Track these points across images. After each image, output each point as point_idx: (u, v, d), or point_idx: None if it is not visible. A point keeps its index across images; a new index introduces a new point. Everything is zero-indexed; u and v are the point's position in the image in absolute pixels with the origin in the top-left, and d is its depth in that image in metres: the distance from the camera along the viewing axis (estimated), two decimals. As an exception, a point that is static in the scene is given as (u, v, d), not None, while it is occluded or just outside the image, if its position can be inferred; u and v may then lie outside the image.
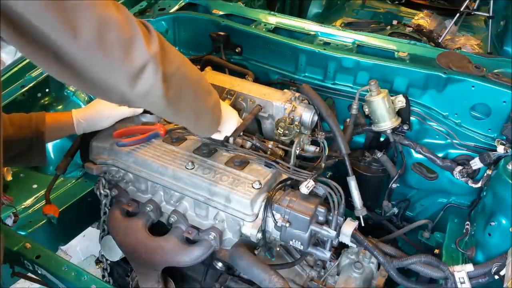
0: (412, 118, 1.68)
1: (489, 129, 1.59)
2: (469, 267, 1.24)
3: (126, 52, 0.84)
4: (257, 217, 1.28)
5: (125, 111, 1.47)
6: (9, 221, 1.47)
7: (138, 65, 0.86)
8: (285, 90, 1.61)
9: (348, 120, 1.65)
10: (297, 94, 1.56)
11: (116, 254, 1.59)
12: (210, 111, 1.21)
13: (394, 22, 3.29)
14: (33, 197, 1.65)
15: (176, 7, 2.20)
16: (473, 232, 1.45)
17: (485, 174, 1.51)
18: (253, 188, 1.27)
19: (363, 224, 1.44)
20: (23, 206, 1.62)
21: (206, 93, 1.16)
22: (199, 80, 1.12)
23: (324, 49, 1.78)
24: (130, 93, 0.89)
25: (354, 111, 1.61)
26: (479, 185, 1.55)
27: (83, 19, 0.76)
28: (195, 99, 1.09)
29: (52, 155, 1.74)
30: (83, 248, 2.96)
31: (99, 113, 1.44)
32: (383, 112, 1.57)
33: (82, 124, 1.42)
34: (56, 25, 0.73)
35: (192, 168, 1.35)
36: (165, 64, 0.92)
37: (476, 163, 1.55)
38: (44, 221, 1.56)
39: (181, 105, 1.04)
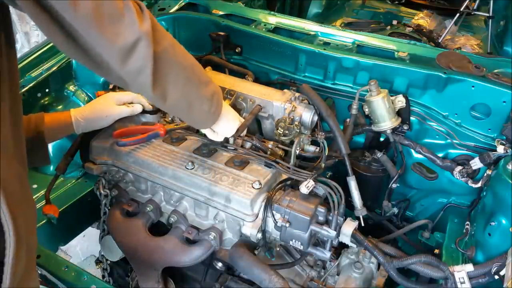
0: (412, 118, 1.68)
1: (489, 129, 1.59)
2: (469, 267, 1.24)
3: (119, 27, 0.87)
4: (257, 217, 1.28)
5: (123, 111, 1.46)
6: (9, 221, 1.46)
7: (130, 41, 0.89)
8: (285, 90, 1.61)
9: (348, 120, 1.65)
10: (297, 94, 1.56)
11: (116, 254, 1.59)
12: (206, 101, 1.17)
13: (394, 22, 3.29)
14: (33, 197, 1.65)
15: (176, 7, 2.20)
16: (473, 232, 1.45)
17: (485, 174, 1.51)
18: (253, 188, 1.28)
19: (363, 224, 1.44)
20: (23, 206, 1.61)
21: (201, 81, 1.14)
22: (192, 66, 1.11)
23: (324, 49, 1.78)
24: (122, 70, 0.91)
25: (354, 111, 1.61)
26: (479, 185, 1.55)
27: None
28: (185, 85, 1.08)
29: (52, 155, 1.74)
30: (83, 248, 2.96)
31: (98, 112, 1.44)
32: (383, 112, 1.57)
33: (81, 123, 1.41)
34: None
35: (192, 168, 1.35)
36: (156, 43, 0.94)
37: (476, 163, 1.55)
38: (44, 221, 1.56)
39: (170, 89, 1.04)
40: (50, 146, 1.72)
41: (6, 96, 0.90)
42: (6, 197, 0.83)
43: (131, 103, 1.50)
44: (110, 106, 1.45)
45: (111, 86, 1.72)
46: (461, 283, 1.23)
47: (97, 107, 1.44)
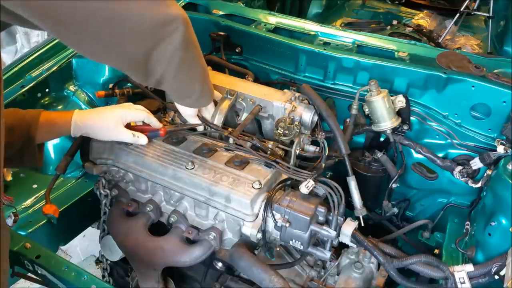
0: (412, 118, 1.68)
1: (489, 129, 1.59)
2: (469, 267, 1.24)
3: (162, 3, 0.94)
4: (257, 217, 1.28)
5: (126, 138, 1.37)
6: (9, 221, 1.47)
7: (172, 14, 0.96)
8: (285, 90, 1.61)
9: (348, 120, 1.65)
10: (297, 94, 1.56)
11: (116, 254, 1.59)
12: (206, 85, 1.27)
13: (394, 22, 3.29)
14: (33, 197, 1.65)
15: (176, 7, 2.20)
16: (473, 232, 1.45)
17: (485, 174, 1.52)
18: (253, 188, 1.27)
19: (363, 224, 1.44)
20: (23, 206, 1.62)
21: (205, 69, 1.25)
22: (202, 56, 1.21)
23: (324, 49, 1.78)
24: (159, 33, 0.95)
25: (354, 111, 1.61)
26: (479, 185, 1.55)
27: None
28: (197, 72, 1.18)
29: (52, 155, 1.74)
30: (83, 248, 2.96)
31: (101, 129, 1.35)
32: (383, 112, 1.57)
33: (80, 128, 1.33)
34: None
35: (192, 168, 1.35)
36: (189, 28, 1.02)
37: (476, 163, 1.55)
38: (44, 221, 1.56)
39: (190, 73, 1.13)
40: (50, 146, 1.73)
41: None
42: None
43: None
44: (116, 128, 1.35)
45: (110, 86, 1.73)
46: (461, 283, 1.23)
47: (104, 122, 1.34)
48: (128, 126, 1.40)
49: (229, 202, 1.28)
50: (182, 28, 0.98)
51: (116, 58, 0.99)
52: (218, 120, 1.49)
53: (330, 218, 1.26)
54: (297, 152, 1.50)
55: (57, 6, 0.79)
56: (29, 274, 1.49)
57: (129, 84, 1.72)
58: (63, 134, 1.38)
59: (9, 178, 1.64)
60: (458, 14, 3.08)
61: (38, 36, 4.15)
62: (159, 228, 1.45)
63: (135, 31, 0.92)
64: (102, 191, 1.50)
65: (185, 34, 0.99)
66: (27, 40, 4.19)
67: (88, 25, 0.85)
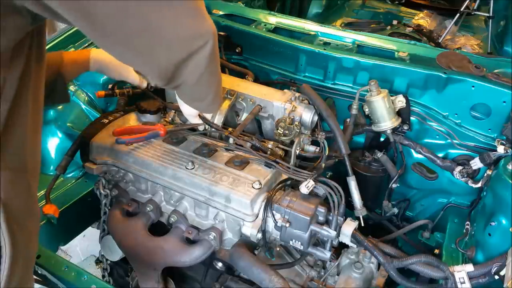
0: (412, 118, 1.68)
1: (489, 129, 1.59)
2: (469, 267, 1.24)
3: (198, 16, 0.99)
4: (257, 217, 1.28)
5: (133, 77, 1.56)
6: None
7: (206, 29, 1.01)
8: (285, 90, 1.61)
9: (348, 120, 1.65)
10: (297, 94, 1.56)
11: (116, 254, 1.59)
12: (219, 93, 1.27)
13: (394, 22, 3.29)
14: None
15: (176, 7, 2.20)
16: (473, 232, 1.45)
17: (485, 174, 1.52)
18: (253, 188, 1.27)
19: (363, 224, 1.44)
20: (23, 206, 1.61)
21: (221, 78, 1.25)
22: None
23: (324, 49, 1.78)
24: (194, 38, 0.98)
25: (354, 111, 1.61)
26: (479, 185, 1.55)
27: None
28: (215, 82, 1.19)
29: (52, 155, 1.74)
30: (83, 248, 2.96)
31: (116, 64, 1.51)
32: (383, 112, 1.57)
33: (97, 62, 1.49)
34: None
35: (192, 168, 1.35)
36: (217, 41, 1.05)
37: (476, 163, 1.55)
38: (44, 221, 1.56)
39: (210, 79, 1.13)
40: (50, 146, 1.73)
41: (30, 103, 0.91)
42: (7, 214, 0.84)
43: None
44: (128, 67, 1.52)
45: (110, 86, 1.73)
46: (461, 283, 1.23)
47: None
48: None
49: (229, 202, 1.28)
50: (212, 42, 1.01)
51: (144, 65, 0.99)
52: (218, 120, 1.49)
53: (330, 218, 1.26)
54: (297, 152, 1.50)
55: (94, 9, 0.79)
56: (29, 274, 1.49)
57: (129, 84, 1.72)
58: (84, 71, 1.52)
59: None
60: (458, 14, 3.07)
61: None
62: (159, 228, 1.45)
63: (168, 43, 0.93)
64: (102, 191, 1.50)
65: (213, 47, 1.02)
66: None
67: (122, 31, 0.85)
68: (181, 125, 1.52)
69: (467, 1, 3.02)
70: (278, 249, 1.51)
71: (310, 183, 1.27)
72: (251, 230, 1.27)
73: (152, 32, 0.88)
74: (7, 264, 0.85)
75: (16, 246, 0.86)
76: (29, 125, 0.93)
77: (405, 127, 1.65)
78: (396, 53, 1.82)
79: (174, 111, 1.60)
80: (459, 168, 1.59)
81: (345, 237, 1.29)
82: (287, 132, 1.50)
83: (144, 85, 1.63)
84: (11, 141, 0.88)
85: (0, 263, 0.85)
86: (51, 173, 1.67)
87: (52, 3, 0.76)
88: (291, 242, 1.27)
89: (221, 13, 2.15)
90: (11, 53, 0.83)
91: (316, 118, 1.54)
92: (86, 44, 1.86)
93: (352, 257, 1.45)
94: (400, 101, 1.62)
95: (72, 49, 1.84)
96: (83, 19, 0.80)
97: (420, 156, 1.69)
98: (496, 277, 1.20)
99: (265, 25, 2.04)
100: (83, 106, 1.84)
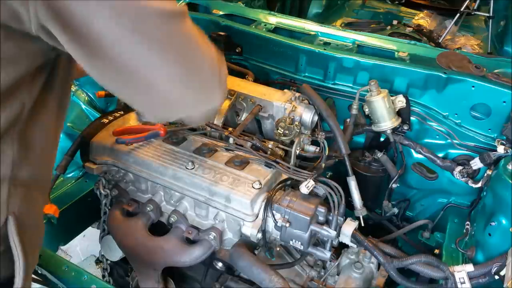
0: (412, 118, 1.68)
1: (489, 129, 1.59)
2: (469, 267, 1.24)
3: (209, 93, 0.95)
4: (257, 217, 1.28)
5: None
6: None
7: (215, 103, 0.98)
8: (285, 90, 1.61)
9: (348, 120, 1.65)
10: (297, 94, 1.56)
11: (116, 254, 1.59)
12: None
13: (394, 22, 3.29)
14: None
15: (176, 7, 2.20)
16: (473, 232, 1.45)
17: (485, 174, 1.51)
18: (253, 188, 1.27)
19: (363, 224, 1.44)
20: (23, 206, 1.61)
21: None
22: None
23: (324, 49, 1.78)
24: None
25: (354, 111, 1.61)
26: (479, 185, 1.55)
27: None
28: None
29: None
30: (83, 248, 2.96)
31: None
32: (383, 112, 1.57)
33: None
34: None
35: (192, 168, 1.35)
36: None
37: (476, 163, 1.55)
38: (44, 221, 1.56)
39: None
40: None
41: (51, 123, 0.94)
42: (18, 228, 0.86)
43: None
44: None
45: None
46: (461, 283, 1.23)
47: None
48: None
49: (229, 202, 1.28)
50: (222, 94, 0.98)
51: (147, 116, 1.00)
52: (218, 120, 1.49)
53: (330, 218, 1.26)
54: (297, 152, 1.49)
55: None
56: (29, 274, 1.49)
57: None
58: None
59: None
60: (458, 14, 3.07)
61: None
62: (159, 228, 1.45)
63: (172, 105, 0.92)
64: (102, 191, 1.50)
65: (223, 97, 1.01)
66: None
67: (122, 92, 0.89)
68: (181, 125, 1.52)
69: (467, 1, 3.02)
70: (278, 249, 1.51)
71: (310, 183, 1.27)
72: (251, 230, 1.27)
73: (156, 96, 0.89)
74: (21, 277, 0.87)
75: (27, 259, 0.88)
76: (48, 145, 0.95)
77: (405, 127, 1.65)
78: (396, 53, 1.82)
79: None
80: (459, 168, 1.59)
81: (345, 237, 1.29)
82: (287, 132, 1.50)
83: None
84: (28, 159, 0.89)
85: (15, 275, 0.87)
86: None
87: (62, 38, 0.76)
88: (291, 242, 1.27)
89: (221, 13, 2.15)
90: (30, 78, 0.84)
91: (316, 118, 1.54)
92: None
93: (352, 257, 1.45)
94: (400, 101, 1.62)
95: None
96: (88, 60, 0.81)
97: (420, 156, 1.69)
98: (496, 277, 1.20)
99: (265, 25, 2.04)
100: (83, 106, 1.84)
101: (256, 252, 1.40)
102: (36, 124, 0.89)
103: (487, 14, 3.04)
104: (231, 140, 1.45)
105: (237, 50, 1.97)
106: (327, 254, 1.29)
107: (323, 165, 1.45)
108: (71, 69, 0.97)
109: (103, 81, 0.86)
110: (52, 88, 0.91)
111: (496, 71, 1.63)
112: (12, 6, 0.70)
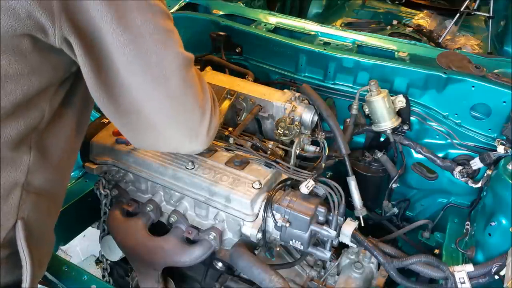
0: (412, 118, 1.68)
1: (489, 129, 1.59)
2: (469, 267, 1.24)
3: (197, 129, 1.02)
4: (257, 217, 1.27)
5: None
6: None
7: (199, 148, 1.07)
8: (285, 90, 1.61)
9: (348, 120, 1.65)
10: (297, 94, 1.56)
11: (116, 254, 1.59)
12: None
13: (394, 22, 3.29)
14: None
15: (176, 7, 2.20)
16: (473, 232, 1.45)
17: (485, 174, 1.51)
18: (253, 188, 1.27)
19: (363, 224, 1.44)
20: (23, 206, 1.61)
21: None
22: None
23: (324, 49, 1.78)
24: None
25: (354, 111, 1.61)
26: (479, 185, 1.55)
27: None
28: None
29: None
30: (83, 248, 2.96)
31: None
32: (383, 112, 1.57)
33: None
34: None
35: (192, 168, 1.35)
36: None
37: (476, 163, 1.55)
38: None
39: None
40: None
41: (69, 133, 0.97)
42: (27, 232, 0.88)
43: None
44: None
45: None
46: (461, 283, 1.23)
47: None
48: None
49: (229, 202, 1.28)
50: (208, 141, 1.07)
51: (133, 143, 1.08)
52: (218, 120, 1.49)
53: (330, 218, 1.26)
54: (297, 152, 1.49)
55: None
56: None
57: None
58: None
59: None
60: (458, 14, 3.07)
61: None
62: (159, 228, 1.45)
63: (160, 139, 1.02)
64: (102, 191, 1.50)
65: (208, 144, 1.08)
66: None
67: (114, 116, 0.95)
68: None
69: (467, 1, 3.02)
70: (278, 249, 1.51)
71: (310, 183, 1.27)
72: (251, 230, 1.27)
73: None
74: (28, 281, 0.89)
75: (33, 264, 0.90)
76: (63, 157, 0.97)
77: (405, 127, 1.65)
78: (396, 53, 1.82)
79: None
80: (459, 168, 1.59)
81: (345, 237, 1.29)
82: (287, 132, 1.50)
83: None
84: (43, 168, 0.92)
85: (22, 280, 0.89)
86: (51, 173, 1.67)
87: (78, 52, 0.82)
88: (291, 242, 1.27)
89: (221, 13, 2.15)
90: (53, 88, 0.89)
91: (316, 118, 1.54)
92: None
93: (352, 257, 1.45)
94: (400, 101, 1.62)
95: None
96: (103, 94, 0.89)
97: (420, 156, 1.69)
98: (496, 277, 1.20)
99: (265, 25, 2.04)
100: (83, 106, 1.84)
101: (256, 252, 1.40)
102: (54, 135, 0.92)
103: (487, 14, 3.04)
104: (231, 140, 1.45)
105: (237, 50, 1.97)
106: (327, 254, 1.29)
107: (323, 165, 1.45)
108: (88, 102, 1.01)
109: (100, 101, 0.91)
110: (73, 102, 0.96)
111: (496, 71, 1.63)
112: (40, 19, 0.75)
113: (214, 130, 1.07)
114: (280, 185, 1.32)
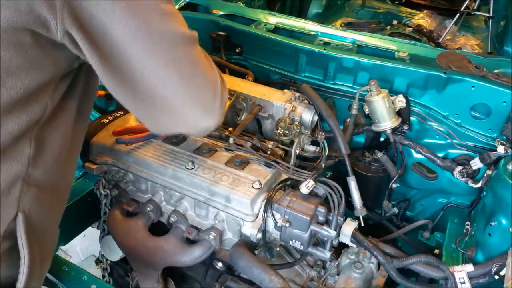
0: (412, 118, 1.68)
1: (489, 129, 1.59)
2: (469, 267, 1.24)
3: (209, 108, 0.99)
4: (257, 217, 1.28)
5: None
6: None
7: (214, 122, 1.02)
8: (285, 90, 1.61)
9: (348, 120, 1.65)
10: (297, 94, 1.56)
11: (116, 254, 1.59)
12: None
13: (394, 22, 3.29)
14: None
15: (176, 7, 2.20)
16: (473, 232, 1.45)
17: (485, 174, 1.51)
18: (253, 188, 1.27)
19: (363, 224, 1.44)
20: (23, 206, 1.61)
21: None
22: None
23: (324, 49, 1.78)
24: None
25: (354, 111, 1.61)
26: (479, 185, 1.55)
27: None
28: None
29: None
30: (83, 248, 2.96)
31: None
32: (383, 112, 1.57)
33: None
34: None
35: (192, 168, 1.35)
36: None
37: (476, 163, 1.55)
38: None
39: None
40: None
41: (69, 127, 0.97)
42: (27, 226, 0.88)
43: None
44: None
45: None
46: (461, 283, 1.23)
47: None
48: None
49: (229, 202, 1.28)
50: (222, 115, 1.03)
51: (149, 126, 1.05)
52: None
53: (330, 218, 1.26)
54: (297, 152, 1.49)
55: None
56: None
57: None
58: None
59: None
60: (458, 14, 3.07)
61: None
62: (159, 228, 1.45)
63: (175, 118, 0.98)
64: (102, 191, 1.50)
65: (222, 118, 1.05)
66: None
67: (129, 101, 0.93)
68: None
69: (467, 1, 3.01)
70: (278, 249, 1.51)
71: (310, 183, 1.27)
72: (251, 230, 1.27)
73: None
74: (25, 274, 0.89)
75: (33, 258, 0.90)
76: (63, 150, 0.97)
77: (405, 127, 1.65)
78: (396, 53, 1.82)
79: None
80: (459, 168, 1.59)
81: (345, 237, 1.29)
82: (287, 132, 1.50)
83: None
84: (43, 160, 0.92)
85: (19, 273, 0.89)
86: (51, 173, 1.67)
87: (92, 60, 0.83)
88: (291, 242, 1.27)
89: (221, 13, 2.15)
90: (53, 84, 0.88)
91: (316, 118, 1.54)
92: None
93: (352, 257, 1.45)
94: (400, 101, 1.62)
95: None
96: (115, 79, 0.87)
97: (420, 156, 1.69)
98: (496, 277, 1.20)
99: (265, 25, 2.04)
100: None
101: (256, 252, 1.40)
102: (55, 128, 0.92)
103: (487, 14, 3.03)
104: (231, 140, 1.45)
105: (237, 50, 1.97)
106: (327, 254, 1.29)
107: (323, 165, 1.45)
108: (93, 79, 1.00)
109: (114, 91, 0.90)
110: (73, 95, 0.96)
111: (496, 71, 1.63)
112: (41, 13, 0.75)
113: (226, 104, 1.06)
114: (280, 185, 1.32)
